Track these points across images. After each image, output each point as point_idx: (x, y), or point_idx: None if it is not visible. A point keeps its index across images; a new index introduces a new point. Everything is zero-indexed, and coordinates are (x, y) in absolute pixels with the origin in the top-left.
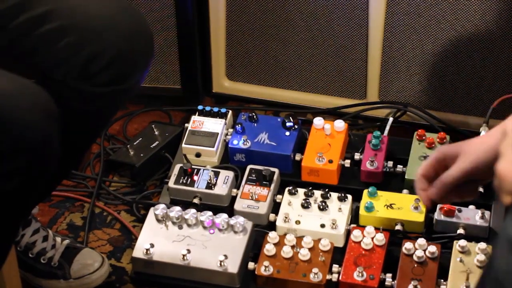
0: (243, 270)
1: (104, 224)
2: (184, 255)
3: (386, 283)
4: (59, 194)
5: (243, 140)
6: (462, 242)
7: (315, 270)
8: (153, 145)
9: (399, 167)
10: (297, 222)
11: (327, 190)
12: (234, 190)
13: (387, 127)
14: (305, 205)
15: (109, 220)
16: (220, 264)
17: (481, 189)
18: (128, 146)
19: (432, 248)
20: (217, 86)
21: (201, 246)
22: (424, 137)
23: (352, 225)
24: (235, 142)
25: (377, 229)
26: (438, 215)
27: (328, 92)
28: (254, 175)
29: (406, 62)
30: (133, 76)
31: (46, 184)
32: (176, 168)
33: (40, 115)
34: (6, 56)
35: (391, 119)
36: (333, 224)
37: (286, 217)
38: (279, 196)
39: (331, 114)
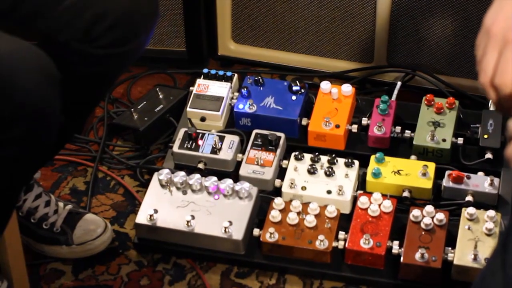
0: (248, 237)
1: (107, 189)
2: (188, 221)
3: (393, 250)
4: (62, 158)
5: (249, 104)
6: (471, 210)
7: (321, 237)
8: (158, 108)
9: (407, 133)
10: (303, 188)
11: (333, 155)
12: (240, 155)
13: (395, 92)
14: (312, 171)
15: (112, 185)
16: (225, 231)
17: (490, 156)
18: (132, 109)
19: (440, 216)
20: (222, 48)
21: (205, 212)
22: (432, 102)
23: (359, 192)
24: (240, 106)
25: (384, 196)
26: (446, 182)
27: (335, 55)
28: (259, 140)
29: (414, 25)
30: (137, 38)
31: (48, 149)
32: (181, 132)
33: (41, 79)
34: (8, 20)
35: (399, 83)
36: (340, 190)
37: (292, 183)
38: (285, 162)
39: (338, 78)
